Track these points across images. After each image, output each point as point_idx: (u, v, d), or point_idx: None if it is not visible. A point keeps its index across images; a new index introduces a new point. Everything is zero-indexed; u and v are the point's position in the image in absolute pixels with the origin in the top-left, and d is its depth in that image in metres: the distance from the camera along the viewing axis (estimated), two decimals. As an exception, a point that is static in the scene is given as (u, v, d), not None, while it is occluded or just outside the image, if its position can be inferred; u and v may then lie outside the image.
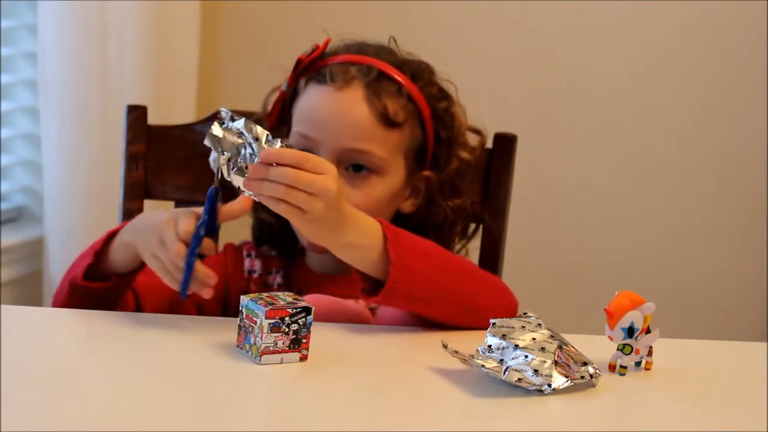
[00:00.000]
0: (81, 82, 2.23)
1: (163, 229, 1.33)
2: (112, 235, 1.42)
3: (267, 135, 1.28)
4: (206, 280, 1.33)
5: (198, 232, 1.31)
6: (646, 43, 2.54)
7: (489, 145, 1.71)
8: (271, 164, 1.27)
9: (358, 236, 1.35)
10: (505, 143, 1.71)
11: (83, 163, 2.26)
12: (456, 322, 1.42)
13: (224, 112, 1.30)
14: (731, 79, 2.53)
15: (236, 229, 1.70)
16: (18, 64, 2.34)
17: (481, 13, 2.55)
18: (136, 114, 1.69)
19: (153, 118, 1.71)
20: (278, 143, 1.28)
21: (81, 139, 2.25)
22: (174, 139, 1.70)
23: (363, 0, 2.53)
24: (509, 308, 1.45)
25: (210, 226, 1.33)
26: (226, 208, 1.35)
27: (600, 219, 2.62)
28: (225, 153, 1.29)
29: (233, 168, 1.29)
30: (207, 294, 1.33)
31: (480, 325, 1.38)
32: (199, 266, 1.32)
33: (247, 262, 1.62)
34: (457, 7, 2.54)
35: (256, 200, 1.30)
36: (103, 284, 1.41)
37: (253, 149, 1.28)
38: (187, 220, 1.33)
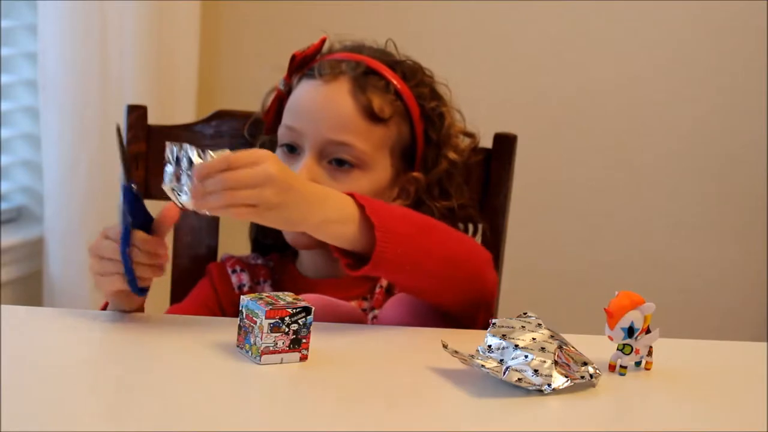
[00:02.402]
0: (81, 82, 2.23)
1: (90, 250, 1.33)
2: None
3: (197, 151, 1.26)
4: (154, 261, 1.32)
5: (124, 227, 1.30)
6: (646, 43, 2.54)
7: (489, 145, 1.71)
8: (205, 178, 1.25)
9: (331, 211, 1.33)
10: (505, 143, 1.71)
11: (83, 163, 2.26)
12: (440, 283, 1.41)
13: (168, 145, 1.29)
14: (731, 79, 2.53)
15: (234, 232, 1.71)
16: (18, 64, 2.34)
17: (481, 14, 2.55)
18: (136, 114, 1.69)
19: (153, 118, 1.71)
20: (209, 155, 1.26)
21: (81, 139, 2.25)
22: (174, 139, 1.69)
23: (363, 0, 2.53)
24: (484, 254, 1.48)
25: (139, 222, 1.31)
26: (159, 220, 1.33)
27: (600, 219, 2.62)
28: (171, 182, 1.28)
29: (180, 194, 1.28)
30: (158, 272, 1.32)
31: (463, 277, 1.41)
32: (137, 254, 1.31)
33: (234, 279, 1.62)
34: (458, 8, 2.54)
35: (212, 215, 1.30)
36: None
37: (191, 171, 1.27)
38: (107, 229, 1.33)
